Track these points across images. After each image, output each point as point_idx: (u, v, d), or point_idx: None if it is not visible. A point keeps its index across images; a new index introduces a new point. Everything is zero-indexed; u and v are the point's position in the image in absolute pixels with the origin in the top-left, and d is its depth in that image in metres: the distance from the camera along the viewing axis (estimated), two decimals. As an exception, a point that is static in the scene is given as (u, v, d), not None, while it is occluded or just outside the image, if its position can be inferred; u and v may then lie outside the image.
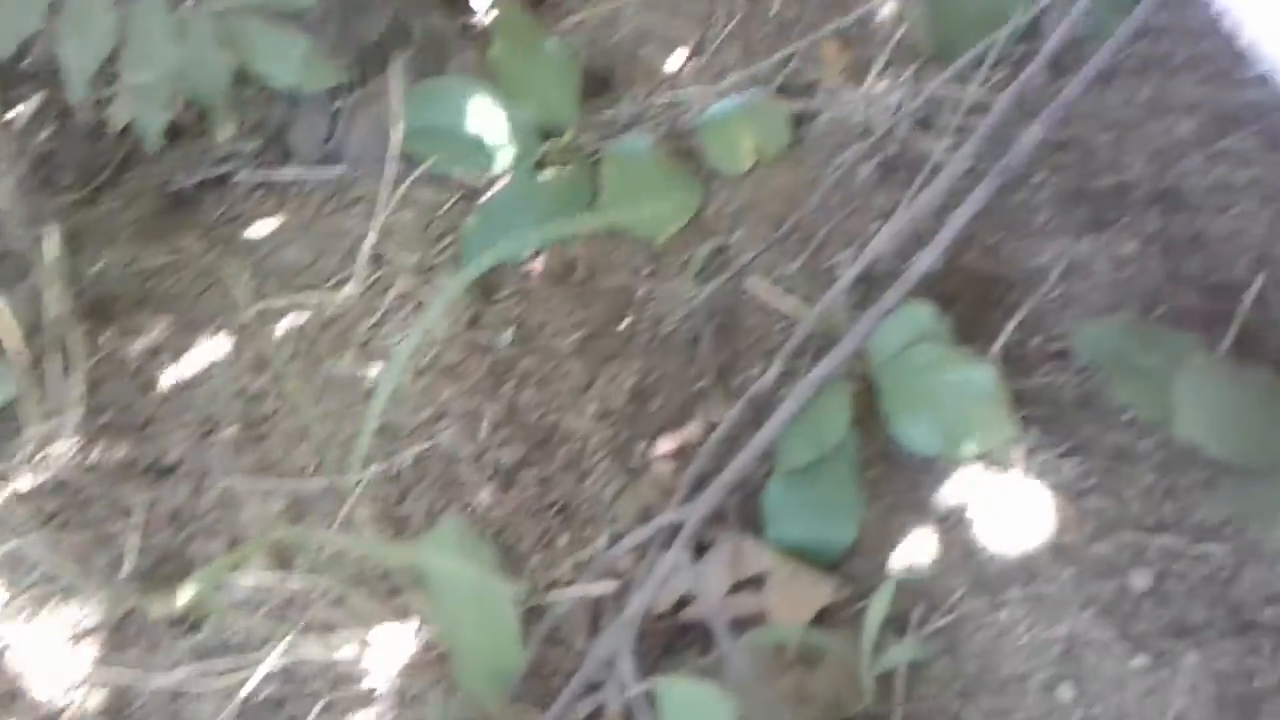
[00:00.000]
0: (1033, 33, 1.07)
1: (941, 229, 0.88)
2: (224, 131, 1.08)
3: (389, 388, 0.65)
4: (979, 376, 0.83)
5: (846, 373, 0.87)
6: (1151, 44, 1.08)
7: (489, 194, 1.10)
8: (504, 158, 1.10)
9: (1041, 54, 0.96)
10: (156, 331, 1.07)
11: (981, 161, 0.97)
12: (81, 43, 1.03)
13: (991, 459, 0.86)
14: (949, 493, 0.86)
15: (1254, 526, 0.79)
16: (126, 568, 0.87)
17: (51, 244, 1.04)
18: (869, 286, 0.94)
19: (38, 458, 0.95)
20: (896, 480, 0.88)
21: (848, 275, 0.91)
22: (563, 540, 0.88)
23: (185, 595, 0.63)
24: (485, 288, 1.04)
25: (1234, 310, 0.90)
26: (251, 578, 0.80)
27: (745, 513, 0.87)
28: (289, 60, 1.04)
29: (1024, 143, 0.89)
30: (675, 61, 1.21)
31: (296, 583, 0.81)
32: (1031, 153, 0.91)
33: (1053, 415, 0.88)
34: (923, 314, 0.86)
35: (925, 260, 0.87)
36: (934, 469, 0.87)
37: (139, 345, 1.06)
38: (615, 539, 0.86)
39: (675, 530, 0.82)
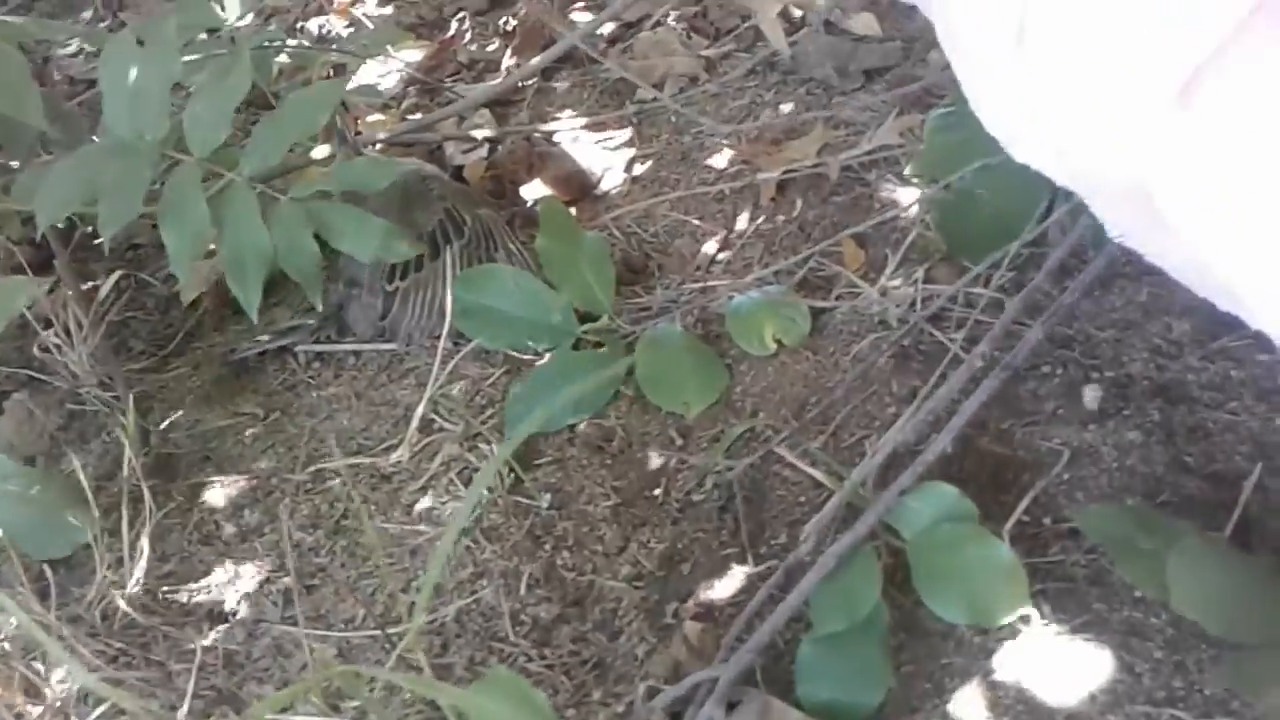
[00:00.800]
0: (1041, 239, 1.17)
1: (954, 416, 0.96)
2: (317, 301, 1.17)
3: (445, 552, 0.70)
4: (999, 554, 0.90)
5: (875, 547, 0.93)
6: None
7: (531, 369, 1.18)
8: (546, 338, 1.19)
9: (1045, 267, 1.06)
10: (218, 488, 1.14)
11: (994, 349, 1.05)
12: (180, 229, 1.12)
13: (1009, 631, 0.90)
14: (969, 663, 0.90)
15: (1254, 698, 0.82)
16: (184, 707, 0.91)
17: (129, 408, 1.12)
18: (889, 465, 1.00)
19: (106, 601, 1.01)
20: (919, 648, 0.92)
21: (877, 457, 0.98)
22: (596, 694, 0.92)
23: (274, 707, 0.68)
24: (526, 455, 1.11)
25: (1235, 498, 0.95)
26: (302, 720, 0.84)
27: (772, 673, 0.91)
28: (370, 237, 1.15)
29: (1026, 343, 0.99)
30: (705, 254, 1.31)
31: (345, 725, 0.86)
32: (1036, 349, 1.01)
33: (1065, 591, 0.93)
34: (948, 494, 0.93)
35: (939, 444, 0.95)
36: (955, 638, 0.91)
37: (201, 500, 1.13)
38: (649, 695, 0.89)
39: (709, 687, 0.86)
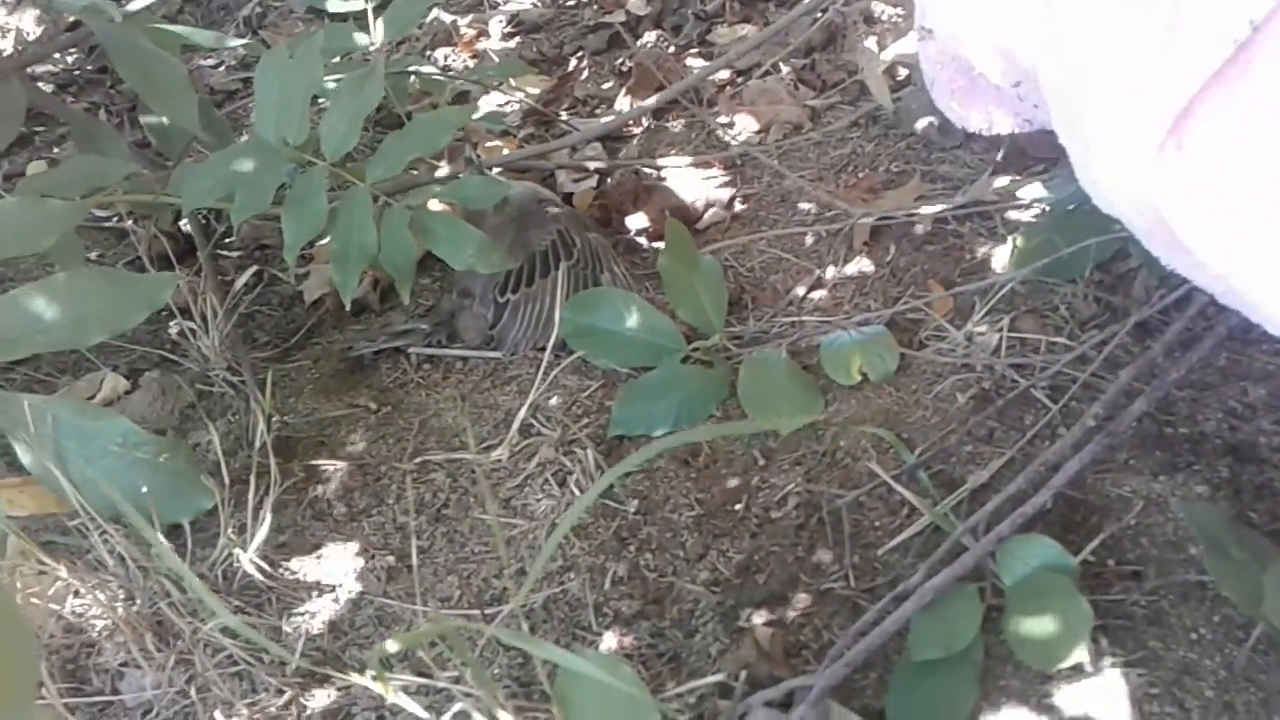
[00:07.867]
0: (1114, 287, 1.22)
1: (1055, 474, 1.02)
2: (405, 296, 1.27)
3: (552, 546, 0.76)
4: (1080, 608, 0.93)
5: (980, 588, 0.98)
6: (1229, 315, 1.21)
7: (634, 380, 1.26)
8: (649, 354, 1.26)
9: (1159, 344, 1.12)
10: (331, 471, 1.23)
11: (1076, 401, 1.11)
12: (298, 221, 1.23)
13: (1073, 668, 0.94)
14: (1025, 688, 0.94)
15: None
16: (292, 664, 0.99)
17: (265, 388, 1.22)
18: (977, 502, 1.06)
19: (228, 563, 1.10)
20: (997, 675, 0.96)
21: (989, 506, 1.02)
22: (670, 685, 0.98)
23: (392, 647, 0.74)
24: (616, 462, 1.18)
25: (1298, 557, 0.99)
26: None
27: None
28: (465, 246, 1.23)
29: (1129, 414, 1.06)
30: (799, 290, 1.37)
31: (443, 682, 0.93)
32: (1114, 400, 1.07)
33: (1124, 629, 0.96)
34: (1049, 546, 0.98)
35: (1039, 499, 1.00)
36: (1014, 661, 0.96)
37: (315, 481, 1.22)
38: (742, 694, 0.94)
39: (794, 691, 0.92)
